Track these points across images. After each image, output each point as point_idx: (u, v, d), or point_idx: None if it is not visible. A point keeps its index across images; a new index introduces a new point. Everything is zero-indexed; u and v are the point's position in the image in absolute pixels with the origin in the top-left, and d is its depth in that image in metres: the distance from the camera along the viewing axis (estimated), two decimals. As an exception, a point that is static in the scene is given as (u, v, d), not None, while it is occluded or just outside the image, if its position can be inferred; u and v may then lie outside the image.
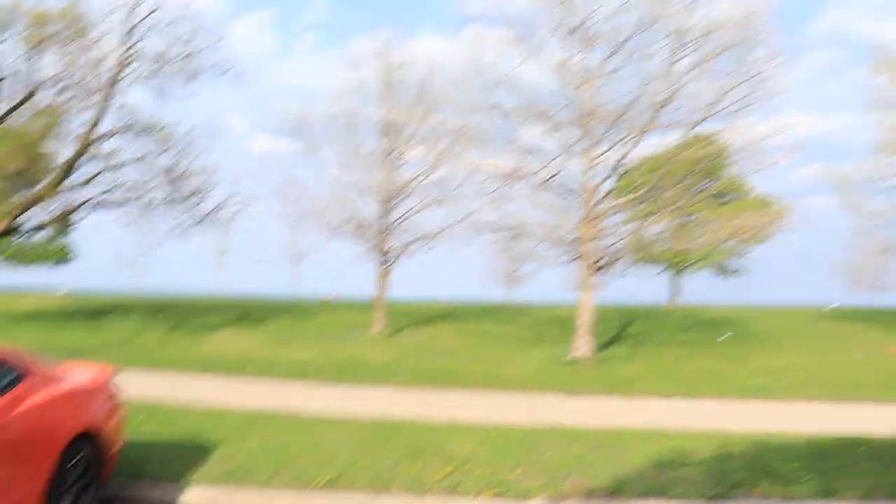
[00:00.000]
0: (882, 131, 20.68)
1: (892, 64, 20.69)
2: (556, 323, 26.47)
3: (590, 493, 7.24)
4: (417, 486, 7.25)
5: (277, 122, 22.68)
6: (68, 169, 21.67)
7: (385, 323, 22.20)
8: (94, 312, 25.44)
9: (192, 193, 23.44)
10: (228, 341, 19.98)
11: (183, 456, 7.88)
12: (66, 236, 53.54)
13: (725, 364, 17.73)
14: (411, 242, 22.78)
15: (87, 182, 22.51)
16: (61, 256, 59.12)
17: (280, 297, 42.05)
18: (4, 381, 5.67)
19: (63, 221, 24.51)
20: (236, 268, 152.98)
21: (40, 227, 24.65)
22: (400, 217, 22.73)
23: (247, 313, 26.77)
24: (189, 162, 23.06)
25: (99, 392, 6.71)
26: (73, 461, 6.00)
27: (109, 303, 29.92)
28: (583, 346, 18.12)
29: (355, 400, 11.96)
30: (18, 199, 22.07)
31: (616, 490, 7.30)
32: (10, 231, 22.41)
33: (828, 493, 7.22)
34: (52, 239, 54.60)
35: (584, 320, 18.24)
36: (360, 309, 29.06)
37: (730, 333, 23.37)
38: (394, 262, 22.62)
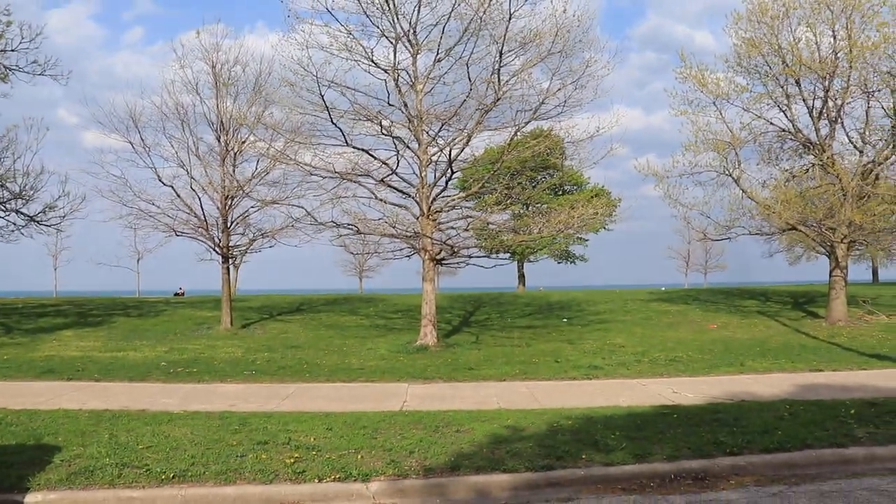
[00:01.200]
0: (691, 131, 22.63)
1: (694, 72, 22.60)
2: (405, 312, 27.10)
3: (429, 471, 7.82)
4: (264, 475, 7.58)
5: (102, 122, 21.54)
6: None
7: (232, 318, 22.05)
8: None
9: (17, 195, 22.35)
10: (68, 343, 19.26)
11: (24, 461, 7.84)
12: None
13: (563, 346, 18.90)
14: (253, 240, 22.74)
15: None
16: None
17: (125, 295, 40.49)
18: None
19: None
20: (76, 268, 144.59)
21: None
22: (240, 215, 22.59)
23: (88, 313, 25.78)
24: (11, 163, 22.02)
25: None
26: None
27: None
28: (428, 334, 18.81)
29: (204, 396, 12.03)
30: None
31: (454, 466, 7.91)
32: None
33: (641, 456, 8.13)
34: None
35: (428, 310, 18.94)
36: (209, 305, 28.58)
37: (566, 320, 24.79)
38: (238, 258, 22.49)
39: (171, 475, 7.48)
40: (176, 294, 48.96)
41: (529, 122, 18.39)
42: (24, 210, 23.06)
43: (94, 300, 31.78)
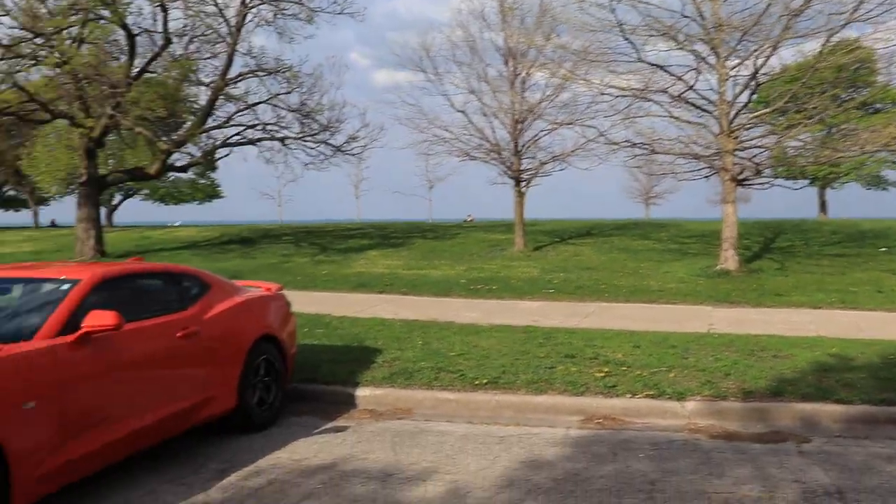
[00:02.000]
0: None
1: None
2: (699, 238, 25.78)
3: (748, 394, 7.25)
4: (575, 387, 7.47)
5: (398, 54, 22.92)
6: (207, 112, 22.84)
7: (525, 241, 22.36)
8: (244, 241, 26.92)
9: (324, 128, 24.28)
10: (375, 261, 20.76)
11: (351, 360, 8.43)
12: (211, 173, 56.41)
13: (884, 276, 16.83)
14: (544, 163, 22.65)
15: (225, 123, 23.68)
16: (210, 193, 62.36)
17: (417, 222, 42.90)
18: (195, 291, 6.24)
19: (207, 160, 25.92)
20: (374, 197, 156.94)
21: (188, 167, 26.17)
22: (531, 139, 22.59)
23: (389, 236, 27.62)
24: (317, 98, 23.92)
25: (273, 301, 7.26)
26: (258, 361, 6.59)
27: (258, 231, 31.51)
28: (729, 258, 17.63)
29: (505, 311, 12.27)
30: (167, 142, 23.61)
31: (776, 392, 7.27)
32: (163, 171, 23.93)
33: None
34: (200, 176, 57.64)
35: (729, 233, 17.69)
36: (500, 229, 29.31)
37: (884, 249, 22.07)
38: (528, 182, 22.59)
39: (485, 381, 7.62)
40: (465, 221, 51.15)
41: (844, 26, 16.11)
42: (331, 141, 25.13)
43: (393, 225, 33.98)
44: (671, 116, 18.16)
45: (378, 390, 7.56)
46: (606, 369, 8.01)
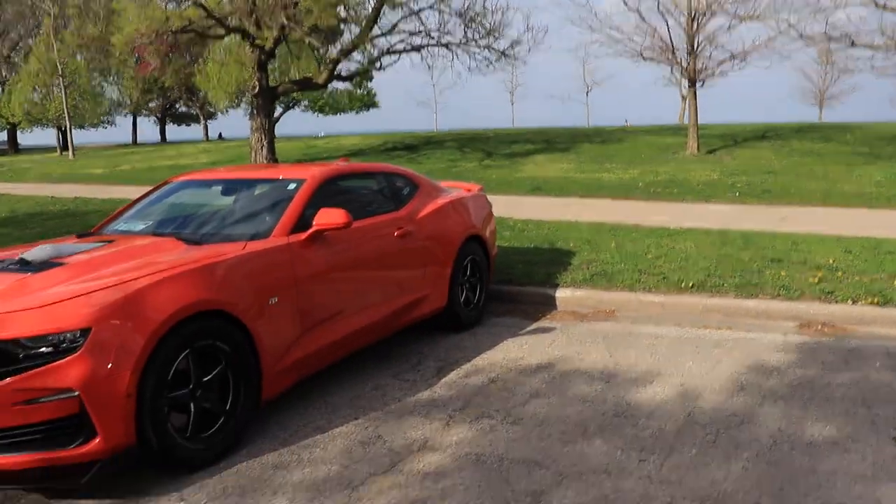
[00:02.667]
0: None
1: None
2: (889, 140, 23.71)
3: None
4: (788, 291, 7.02)
5: None
6: (373, 20, 22.74)
7: (698, 144, 21.27)
8: (407, 147, 27.20)
9: (488, 32, 23.69)
10: (543, 166, 20.43)
11: (544, 261, 8.31)
12: (368, 83, 57.00)
13: None
14: (723, 62, 21.19)
15: (390, 30, 23.53)
16: (367, 102, 63.29)
17: (576, 127, 41.86)
18: (406, 190, 6.22)
19: (373, 68, 25.95)
20: (528, 104, 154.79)
21: (354, 75, 26.34)
22: (708, 36, 21.12)
23: (553, 140, 27.09)
24: (482, 2, 23.28)
25: (477, 201, 7.17)
26: (465, 261, 6.55)
27: (419, 138, 31.76)
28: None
29: (693, 214, 11.73)
30: (334, 51, 23.83)
31: None
32: (329, 81, 24.25)
33: None
34: (357, 87, 58.47)
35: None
36: (667, 132, 28.15)
37: None
38: (704, 83, 21.26)
39: (690, 284, 7.30)
40: (623, 126, 49.46)
41: None
42: (495, 46, 24.60)
43: (553, 130, 33.30)
44: (876, 6, 16.39)
45: (579, 291, 7.40)
46: (819, 274, 7.47)
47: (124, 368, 3.40)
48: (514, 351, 5.90)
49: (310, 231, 4.75)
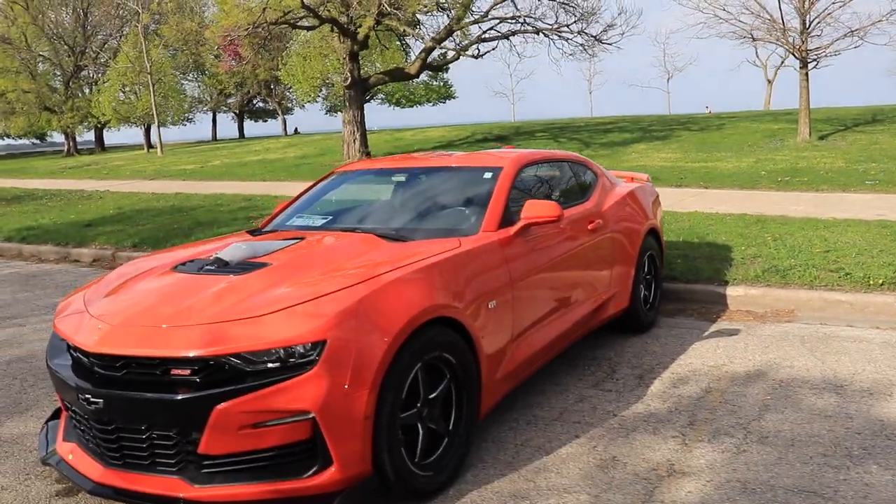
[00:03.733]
0: None
1: None
2: None
3: None
4: None
5: None
6: (466, 6, 22.23)
7: (810, 130, 20.17)
8: (499, 138, 26.68)
9: (581, 17, 22.93)
10: (647, 155, 19.69)
11: (702, 257, 7.75)
12: (444, 74, 56.57)
13: None
14: (838, 39, 19.97)
15: (483, 17, 22.97)
16: (444, 93, 62.90)
17: (661, 115, 40.69)
18: (589, 180, 5.76)
19: (462, 55, 25.42)
20: (604, 92, 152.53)
21: (446, 64, 25.90)
22: (822, 12, 19.90)
23: (648, 129, 26.23)
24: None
25: (648, 192, 6.66)
26: (644, 257, 6.06)
27: (507, 128, 31.21)
28: None
29: (836, 204, 10.93)
30: (427, 40, 23.37)
31: None
32: (422, 70, 23.85)
33: None
34: (433, 78, 58.13)
35: None
36: (764, 119, 27.00)
37: None
38: (818, 62, 20.06)
39: (879, 281, 6.63)
40: (705, 113, 47.96)
41: None
42: (587, 31, 23.83)
43: (647, 117, 32.33)
44: None
45: (753, 289, 6.81)
46: None
47: (362, 387, 2.96)
48: (709, 356, 5.38)
49: (518, 226, 4.30)
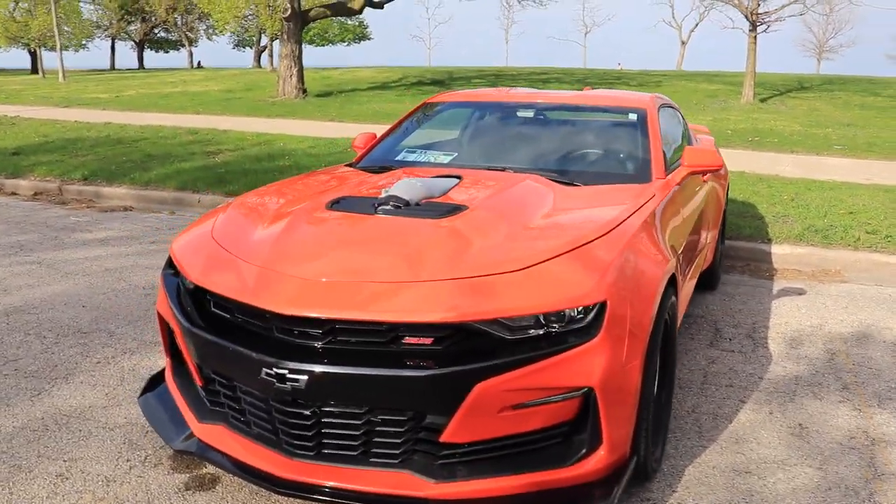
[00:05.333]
0: None
1: None
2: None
3: None
4: None
5: None
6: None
7: (753, 92, 20.52)
8: (435, 82, 26.09)
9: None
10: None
11: (733, 213, 7.58)
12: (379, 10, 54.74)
13: None
14: (786, 5, 20.27)
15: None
16: (359, 34, 61.14)
17: (575, 69, 40.74)
18: (684, 128, 5.39)
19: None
20: (521, 42, 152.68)
21: (384, 3, 24.84)
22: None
23: (585, 82, 26.15)
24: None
25: (712, 145, 6.36)
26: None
27: (439, 73, 30.56)
28: None
29: (819, 167, 11.02)
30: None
31: None
32: (365, 5, 22.79)
33: None
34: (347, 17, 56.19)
35: None
36: (697, 79, 27.41)
37: None
38: (768, 27, 20.31)
39: (918, 244, 6.65)
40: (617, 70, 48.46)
41: None
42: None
43: (579, 70, 32.28)
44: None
45: (798, 249, 6.69)
46: None
47: (636, 356, 2.47)
48: (799, 315, 5.20)
49: (683, 174, 3.95)
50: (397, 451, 2.41)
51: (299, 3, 21.49)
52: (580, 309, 2.38)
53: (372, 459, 2.42)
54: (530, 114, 4.63)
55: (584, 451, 2.43)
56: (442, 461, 2.39)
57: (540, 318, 2.35)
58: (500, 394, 2.28)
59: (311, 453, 2.45)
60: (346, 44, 61.77)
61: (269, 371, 2.35)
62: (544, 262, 2.50)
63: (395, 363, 2.30)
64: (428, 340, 2.32)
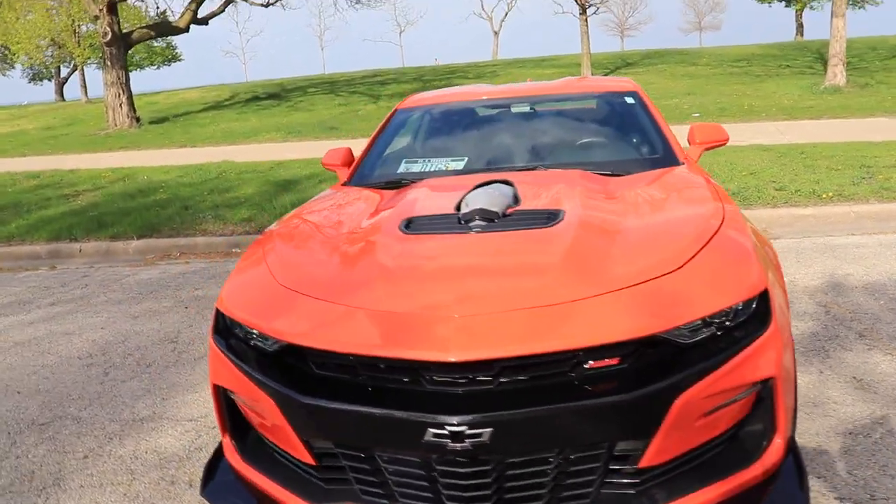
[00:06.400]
0: None
1: None
2: (742, 60, 25.15)
3: None
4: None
5: None
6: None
7: (591, 73, 21.28)
8: (272, 96, 25.28)
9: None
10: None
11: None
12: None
13: None
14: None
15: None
16: (168, 56, 58.16)
17: (398, 68, 40.86)
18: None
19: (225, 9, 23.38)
20: (336, 47, 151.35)
21: (211, 17, 23.73)
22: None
23: (424, 80, 26.20)
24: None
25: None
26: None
27: (268, 86, 29.68)
28: (838, 74, 17.03)
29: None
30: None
31: None
32: (191, 23, 21.64)
33: None
34: (154, 39, 53.47)
35: (839, 48, 16.94)
36: (515, 66, 28.11)
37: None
38: (597, 9, 21.09)
39: (830, 195, 7.05)
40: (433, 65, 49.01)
41: None
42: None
43: (411, 70, 32.27)
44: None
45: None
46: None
47: (791, 341, 2.34)
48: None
49: (699, 152, 3.89)
50: (591, 490, 2.08)
51: (119, 26, 20.06)
52: (742, 303, 2.18)
53: None
54: (525, 108, 4.36)
55: (764, 443, 2.23)
56: (639, 489, 2.11)
57: (718, 314, 2.13)
58: (698, 403, 2.05)
59: None
60: (155, 67, 58.51)
61: (438, 432, 1.96)
62: (693, 257, 2.28)
63: (584, 392, 2.00)
64: (614, 360, 2.04)
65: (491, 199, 2.74)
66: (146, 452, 3.31)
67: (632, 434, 2.05)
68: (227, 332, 2.49)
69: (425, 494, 2.12)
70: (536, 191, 3.00)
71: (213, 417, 3.54)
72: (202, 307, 5.52)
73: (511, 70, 27.28)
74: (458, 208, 2.78)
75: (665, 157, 3.65)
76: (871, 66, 20.99)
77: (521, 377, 2.02)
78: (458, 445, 1.96)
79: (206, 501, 2.57)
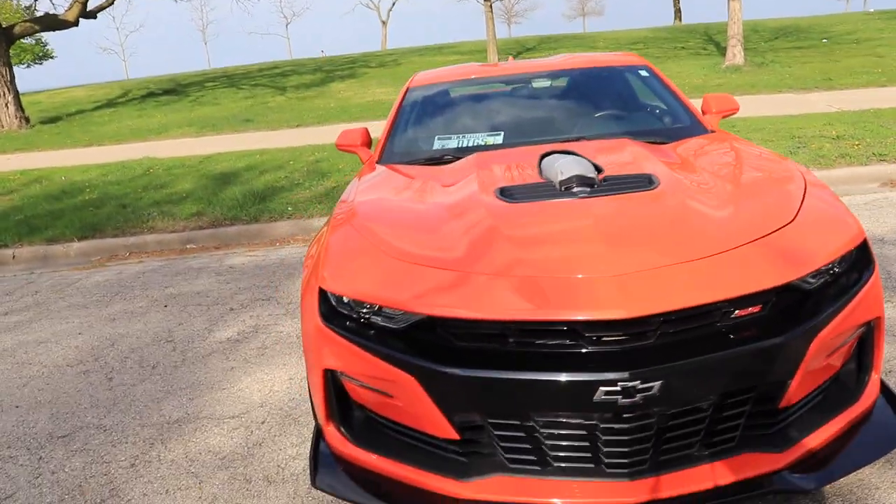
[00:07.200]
0: None
1: None
2: (638, 42, 25.95)
3: None
4: (854, 158, 7.37)
5: None
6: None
7: (497, 58, 21.46)
8: (167, 91, 24.40)
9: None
10: (358, 92, 19.36)
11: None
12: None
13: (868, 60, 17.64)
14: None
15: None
16: (39, 54, 55.10)
17: (286, 60, 40.13)
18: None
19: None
20: (220, 42, 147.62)
21: (100, 10, 22.47)
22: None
23: (327, 71, 25.80)
24: None
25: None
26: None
27: (160, 82, 28.58)
28: (737, 54, 17.84)
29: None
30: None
31: None
32: (81, 16, 20.45)
33: None
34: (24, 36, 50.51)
35: (737, 29, 17.75)
36: (418, 54, 28.11)
37: (825, 41, 23.06)
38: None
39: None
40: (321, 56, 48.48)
41: None
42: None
43: (301, 61, 31.71)
44: None
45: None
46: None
47: None
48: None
49: (716, 121, 4.04)
50: (736, 434, 2.16)
51: None
52: (853, 250, 2.34)
53: (710, 452, 2.15)
54: (546, 83, 4.37)
55: (866, 379, 2.39)
56: (776, 428, 2.22)
57: (835, 262, 2.29)
58: (828, 342, 2.18)
59: (644, 467, 2.10)
60: (24, 65, 55.28)
61: (609, 389, 1.96)
62: (800, 210, 2.40)
63: (734, 340, 2.06)
64: (757, 308, 2.13)
65: (580, 166, 2.72)
66: (200, 454, 3.13)
67: (778, 375, 2.13)
68: (335, 314, 2.37)
69: (583, 455, 2.13)
70: (608, 158, 3.00)
71: (257, 413, 3.41)
72: (184, 304, 5.25)
73: (412, 58, 27.24)
74: (544, 177, 2.77)
75: (693, 125, 3.77)
76: (759, 46, 22.10)
77: (677, 329, 2.06)
78: (628, 401, 1.97)
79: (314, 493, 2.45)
